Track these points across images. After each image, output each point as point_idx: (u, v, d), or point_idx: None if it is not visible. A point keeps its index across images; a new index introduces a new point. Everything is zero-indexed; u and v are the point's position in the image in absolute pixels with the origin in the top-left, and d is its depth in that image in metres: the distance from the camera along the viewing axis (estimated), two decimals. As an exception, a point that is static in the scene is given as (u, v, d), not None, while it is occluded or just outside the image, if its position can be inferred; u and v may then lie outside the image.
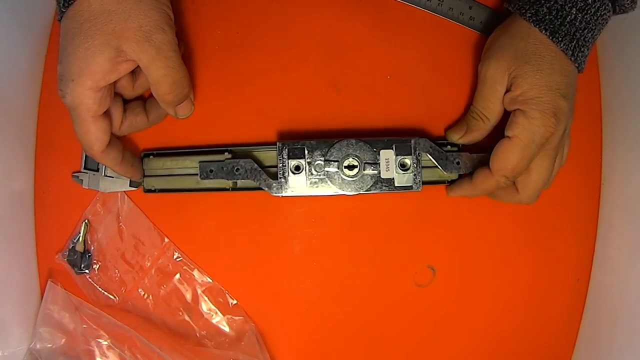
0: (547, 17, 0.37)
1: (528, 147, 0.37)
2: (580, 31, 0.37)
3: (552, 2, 0.37)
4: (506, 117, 0.39)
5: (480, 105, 0.40)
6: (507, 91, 0.38)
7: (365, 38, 0.45)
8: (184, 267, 0.45)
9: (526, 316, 0.45)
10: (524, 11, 0.38)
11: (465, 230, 0.45)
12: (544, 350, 0.46)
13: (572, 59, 0.37)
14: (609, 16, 0.38)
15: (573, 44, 0.37)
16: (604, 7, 0.37)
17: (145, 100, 0.43)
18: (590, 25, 0.37)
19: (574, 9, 0.36)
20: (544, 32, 0.37)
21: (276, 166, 0.41)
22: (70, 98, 0.35)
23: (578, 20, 0.37)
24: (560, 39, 0.36)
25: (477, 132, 0.41)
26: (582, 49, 0.37)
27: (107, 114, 0.38)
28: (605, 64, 0.45)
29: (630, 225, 0.43)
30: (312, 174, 0.41)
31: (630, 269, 0.42)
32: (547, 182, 0.40)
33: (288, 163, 0.41)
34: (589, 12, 0.37)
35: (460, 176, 0.43)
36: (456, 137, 0.42)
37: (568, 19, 0.36)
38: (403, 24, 0.45)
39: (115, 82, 0.37)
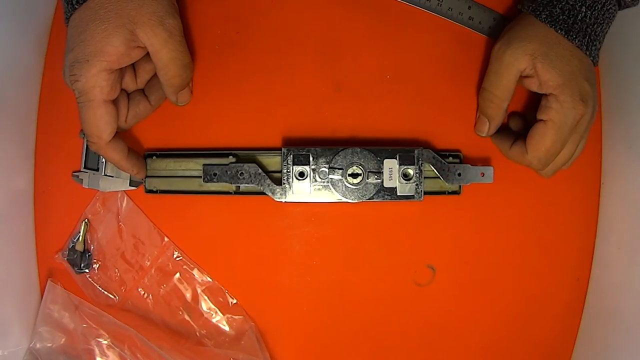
0: (561, 17, 0.39)
1: (561, 130, 0.39)
2: (590, 27, 0.39)
3: (563, 3, 0.39)
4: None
5: (490, 84, 0.41)
6: (527, 76, 0.40)
7: (365, 38, 0.45)
8: (184, 267, 0.45)
9: (526, 316, 0.45)
10: (538, 12, 0.40)
11: (465, 229, 0.45)
12: (544, 350, 0.46)
13: (587, 52, 0.40)
14: (614, 10, 0.40)
15: (586, 39, 0.39)
16: (609, 2, 0.40)
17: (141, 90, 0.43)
18: (599, 20, 0.40)
19: (584, 7, 0.39)
20: (559, 31, 0.39)
21: (280, 171, 0.42)
22: (84, 79, 0.36)
23: (588, 17, 0.39)
24: (574, 36, 0.39)
25: (497, 117, 0.42)
26: (594, 42, 0.40)
27: (115, 103, 0.38)
28: (605, 63, 0.45)
29: (630, 224, 0.43)
30: (316, 180, 0.41)
31: (630, 268, 0.42)
32: (566, 163, 0.42)
33: (293, 169, 0.41)
34: (596, 8, 0.39)
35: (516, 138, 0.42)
36: (485, 131, 0.43)
37: (579, 17, 0.39)
38: (403, 24, 0.45)
39: (122, 78, 0.39)
